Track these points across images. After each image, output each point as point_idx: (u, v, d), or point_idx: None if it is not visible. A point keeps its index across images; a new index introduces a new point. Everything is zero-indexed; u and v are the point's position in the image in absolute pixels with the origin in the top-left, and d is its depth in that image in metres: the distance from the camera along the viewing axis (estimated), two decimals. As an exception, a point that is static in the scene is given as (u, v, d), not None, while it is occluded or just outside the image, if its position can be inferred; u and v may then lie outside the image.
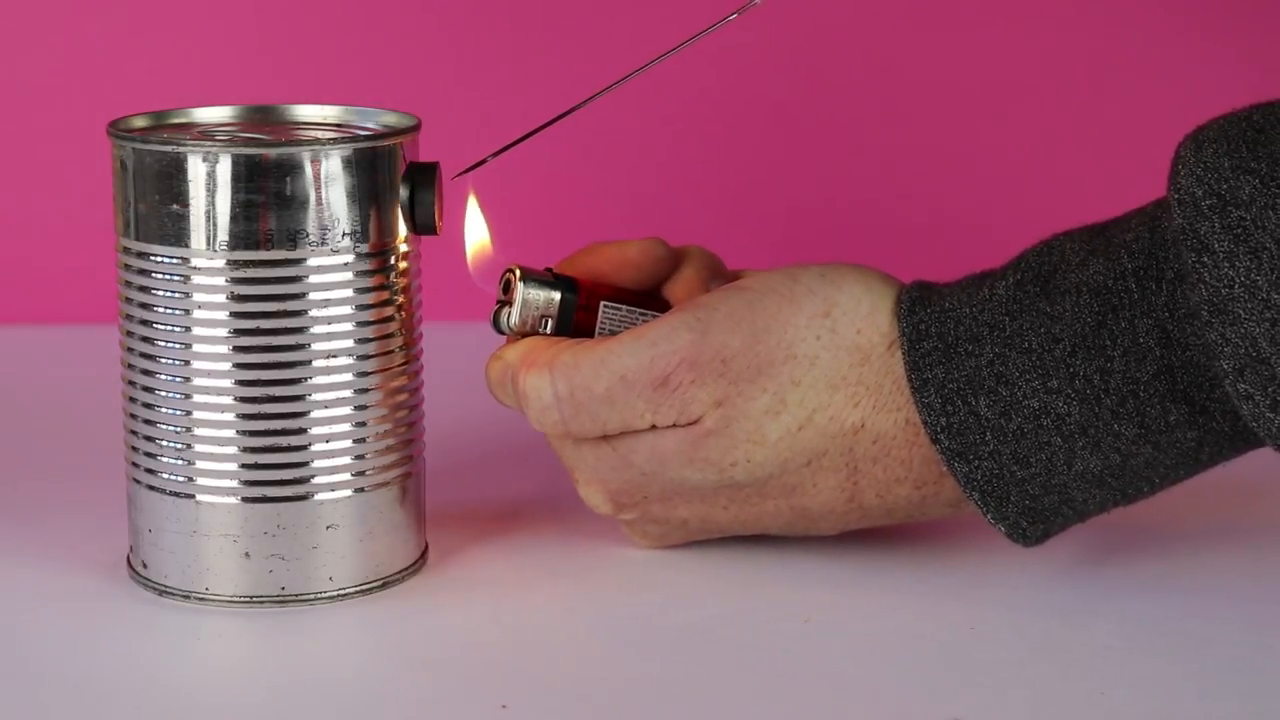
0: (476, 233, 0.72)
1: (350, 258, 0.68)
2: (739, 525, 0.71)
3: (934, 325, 0.68)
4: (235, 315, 0.67)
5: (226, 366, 0.67)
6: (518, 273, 0.71)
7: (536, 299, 0.71)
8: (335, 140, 0.68)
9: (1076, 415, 0.66)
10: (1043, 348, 0.66)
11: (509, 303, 0.71)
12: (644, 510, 0.71)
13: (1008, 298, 0.67)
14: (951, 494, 0.69)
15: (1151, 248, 0.65)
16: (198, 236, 0.67)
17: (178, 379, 0.68)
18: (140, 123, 0.71)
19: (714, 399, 0.68)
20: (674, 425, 0.69)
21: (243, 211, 0.67)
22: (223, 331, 0.67)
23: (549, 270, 0.71)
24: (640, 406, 0.68)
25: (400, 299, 0.69)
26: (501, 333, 0.71)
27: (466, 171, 0.72)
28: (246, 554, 0.68)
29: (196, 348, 0.67)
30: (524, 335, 0.71)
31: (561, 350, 0.69)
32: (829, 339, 0.69)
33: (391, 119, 0.71)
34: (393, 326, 0.69)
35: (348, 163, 0.67)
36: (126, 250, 0.69)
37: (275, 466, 0.68)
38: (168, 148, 0.67)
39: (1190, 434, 0.66)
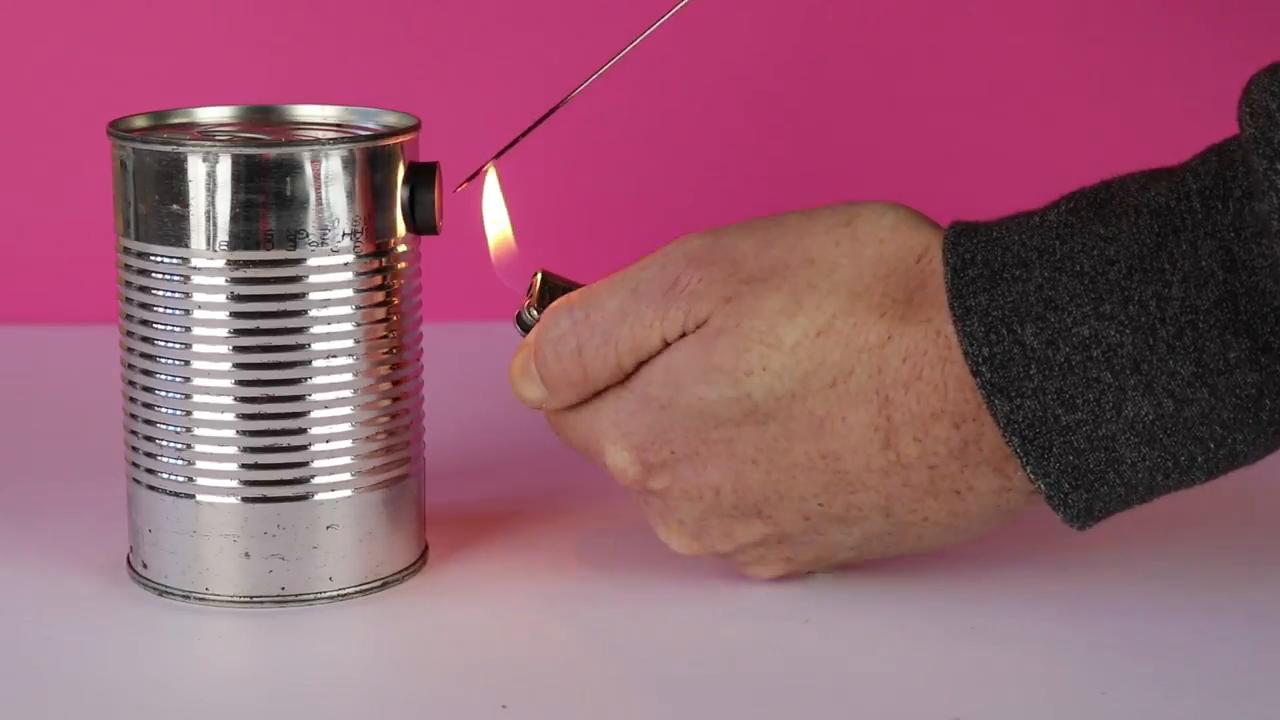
0: (497, 225, 0.72)
1: (350, 258, 0.68)
2: (771, 489, 0.67)
3: (979, 253, 0.65)
4: (235, 315, 0.67)
5: (226, 366, 0.67)
6: (540, 277, 0.71)
7: (557, 291, 0.70)
8: (335, 140, 0.68)
9: (1129, 347, 0.62)
10: (1095, 270, 0.63)
11: (534, 303, 0.71)
12: (674, 474, 0.68)
13: (1059, 223, 0.64)
14: (994, 442, 0.65)
15: (1219, 168, 0.63)
16: (198, 236, 0.67)
17: (178, 379, 0.68)
18: (140, 123, 0.71)
19: (722, 295, 0.66)
20: (683, 333, 0.67)
21: (243, 211, 0.67)
22: (223, 331, 0.67)
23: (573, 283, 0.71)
24: (649, 315, 0.67)
25: (400, 299, 0.69)
26: (526, 328, 0.71)
27: (467, 182, 0.72)
28: (246, 554, 0.68)
29: (196, 348, 0.67)
30: None
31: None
32: (849, 246, 0.66)
33: (391, 119, 0.71)
34: (393, 327, 0.69)
35: (348, 163, 0.67)
36: (126, 250, 0.69)
37: (275, 466, 0.68)
38: (168, 148, 0.67)
39: (1251, 376, 0.62)
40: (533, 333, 0.70)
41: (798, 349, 0.65)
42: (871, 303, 0.65)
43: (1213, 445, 0.64)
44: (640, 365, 0.68)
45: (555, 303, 0.69)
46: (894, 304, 0.65)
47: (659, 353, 0.67)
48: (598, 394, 0.69)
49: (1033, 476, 0.64)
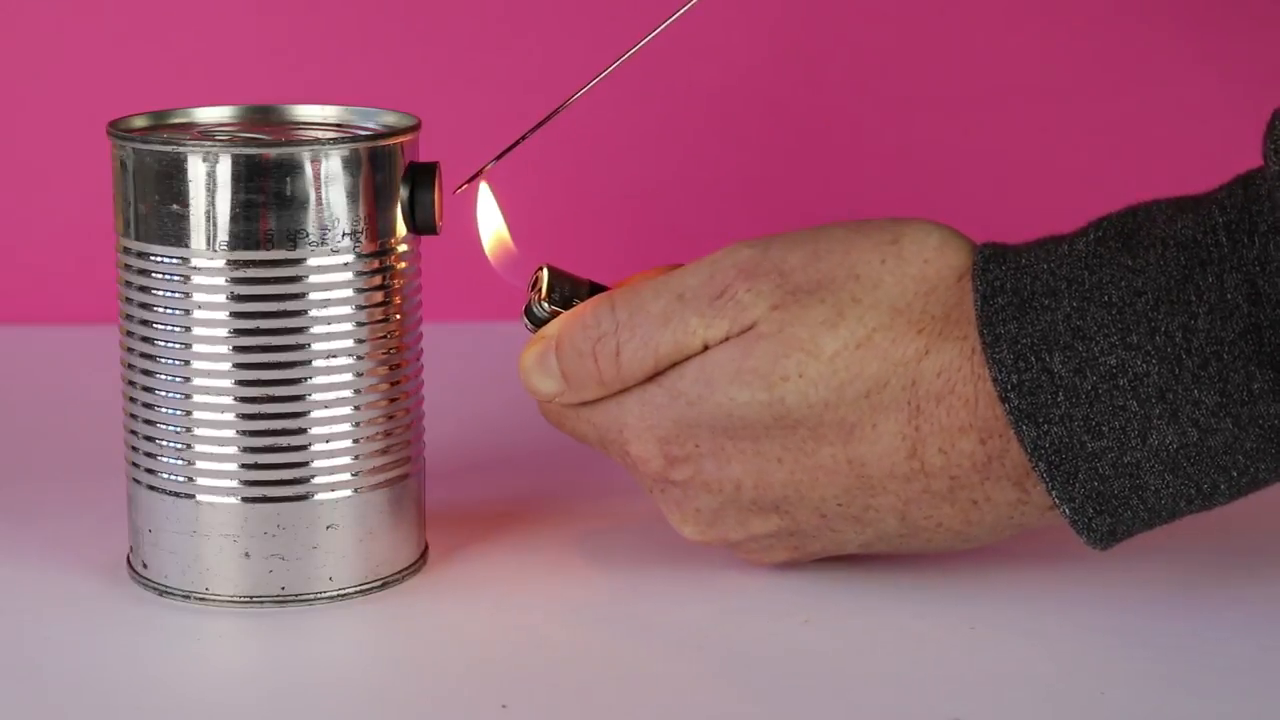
0: (491, 225, 0.72)
1: (350, 258, 0.68)
2: (793, 489, 0.68)
3: (1009, 281, 0.65)
4: (235, 315, 0.67)
5: (226, 366, 0.67)
6: (546, 270, 0.70)
7: (564, 286, 0.70)
8: (335, 140, 0.68)
9: (1155, 377, 0.63)
10: (1123, 301, 0.64)
11: (544, 296, 0.70)
12: (697, 468, 0.68)
13: (1088, 253, 0.65)
14: (1017, 459, 0.65)
15: (1245, 202, 0.63)
16: (198, 236, 0.67)
17: (178, 379, 0.68)
18: (140, 123, 0.71)
19: (770, 303, 0.66)
20: (726, 338, 0.67)
21: (243, 211, 0.67)
22: (223, 331, 0.67)
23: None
24: (694, 323, 0.67)
25: (400, 299, 0.69)
26: (537, 322, 0.70)
27: (467, 183, 0.72)
28: (246, 554, 0.68)
29: (196, 348, 0.67)
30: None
31: (618, 287, 0.69)
32: (894, 264, 0.67)
33: (391, 119, 0.71)
34: (393, 327, 0.69)
35: (348, 163, 0.67)
36: (126, 250, 0.69)
37: (275, 466, 0.68)
38: (168, 148, 0.67)
39: (1274, 407, 0.63)
40: (553, 326, 0.70)
41: (836, 359, 0.66)
42: (911, 319, 0.66)
43: (1235, 474, 0.65)
44: (673, 364, 0.68)
45: (594, 300, 0.69)
46: (932, 320, 0.66)
47: (696, 353, 0.68)
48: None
49: (1058, 501, 0.65)
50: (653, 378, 0.68)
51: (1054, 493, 0.65)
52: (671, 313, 0.67)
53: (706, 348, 0.67)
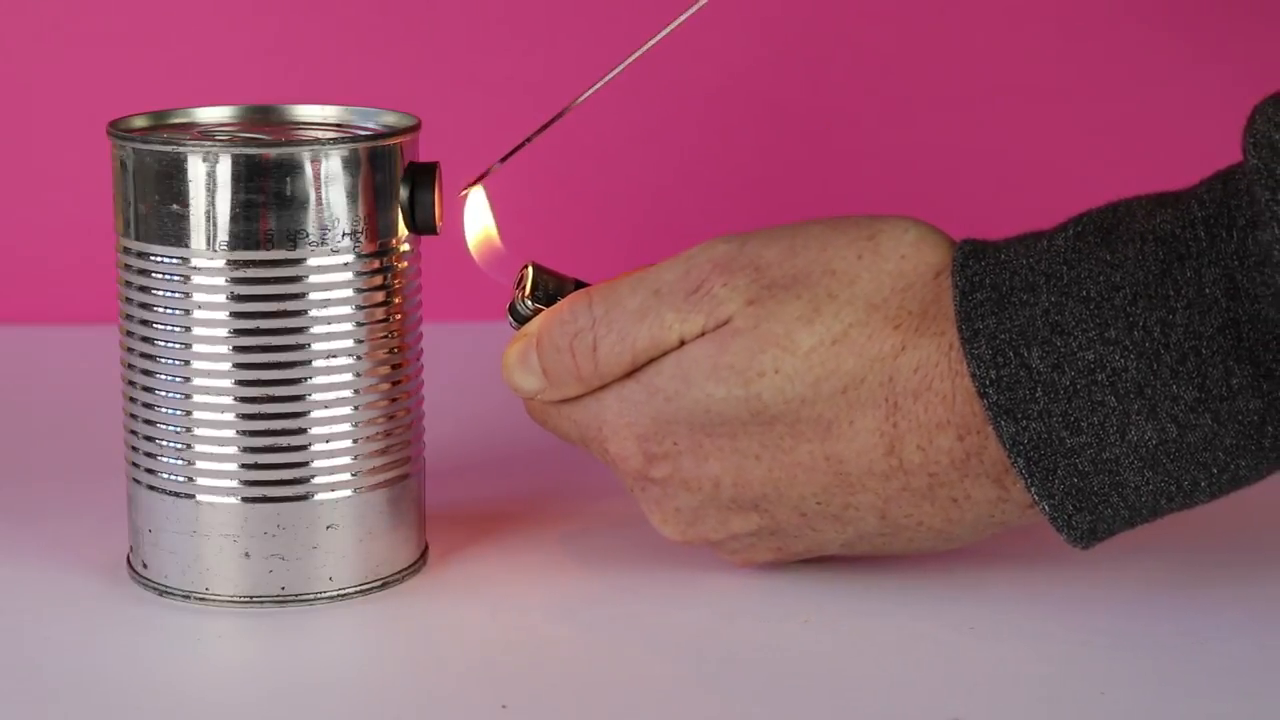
0: (479, 223, 0.72)
1: (350, 258, 0.68)
2: (771, 487, 0.68)
3: (988, 276, 0.65)
4: (235, 315, 0.67)
5: (226, 366, 0.67)
6: (531, 268, 0.71)
7: (549, 283, 0.70)
8: (335, 140, 0.68)
9: (1133, 372, 0.63)
10: (1101, 296, 0.63)
11: (527, 294, 0.71)
12: (675, 465, 0.68)
13: (1067, 248, 0.65)
14: (996, 455, 0.65)
15: (1224, 197, 0.63)
16: (198, 236, 0.67)
17: (178, 379, 0.68)
18: (140, 123, 0.71)
19: (745, 298, 0.66)
20: (702, 333, 0.67)
21: (243, 211, 0.67)
22: (223, 331, 0.67)
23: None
24: (670, 318, 0.67)
25: (400, 299, 0.69)
26: (521, 319, 0.71)
27: (471, 186, 0.72)
28: (246, 554, 0.68)
29: (196, 348, 0.67)
30: None
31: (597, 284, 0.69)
32: (870, 259, 0.67)
33: (391, 119, 0.71)
34: (393, 327, 0.69)
35: (348, 163, 0.67)
36: (126, 250, 0.69)
37: (275, 466, 0.68)
38: (168, 148, 0.67)
39: (1254, 403, 0.63)
40: (534, 324, 0.70)
41: (812, 355, 0.66)
42: (888, 315, 0.66)
43: (1215, 470, 0.64)
44: (650, 360, 0.68)
45: (572, 296, 0.69)
46: (909, 316, 0.66)
47: (673, 349, 0.67)
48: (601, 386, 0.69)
49: (1037, 498, 0.65)
50: (631, 374, 0.68)
51: (1033, 489, 0.65)
52: (647, 308, 0.67)
53: (683, 343, 0.67)
